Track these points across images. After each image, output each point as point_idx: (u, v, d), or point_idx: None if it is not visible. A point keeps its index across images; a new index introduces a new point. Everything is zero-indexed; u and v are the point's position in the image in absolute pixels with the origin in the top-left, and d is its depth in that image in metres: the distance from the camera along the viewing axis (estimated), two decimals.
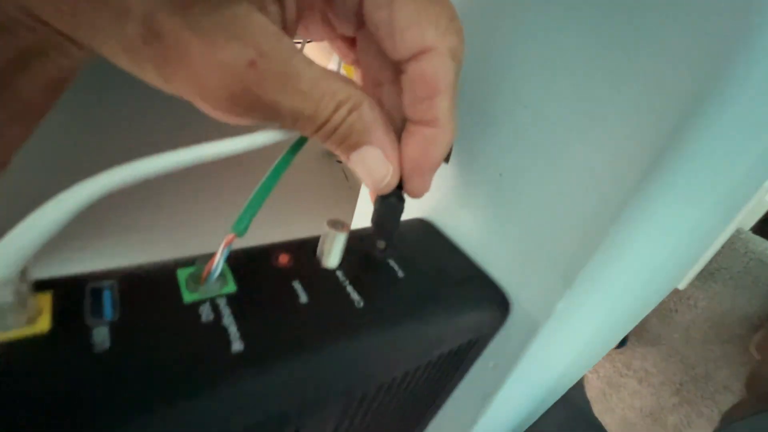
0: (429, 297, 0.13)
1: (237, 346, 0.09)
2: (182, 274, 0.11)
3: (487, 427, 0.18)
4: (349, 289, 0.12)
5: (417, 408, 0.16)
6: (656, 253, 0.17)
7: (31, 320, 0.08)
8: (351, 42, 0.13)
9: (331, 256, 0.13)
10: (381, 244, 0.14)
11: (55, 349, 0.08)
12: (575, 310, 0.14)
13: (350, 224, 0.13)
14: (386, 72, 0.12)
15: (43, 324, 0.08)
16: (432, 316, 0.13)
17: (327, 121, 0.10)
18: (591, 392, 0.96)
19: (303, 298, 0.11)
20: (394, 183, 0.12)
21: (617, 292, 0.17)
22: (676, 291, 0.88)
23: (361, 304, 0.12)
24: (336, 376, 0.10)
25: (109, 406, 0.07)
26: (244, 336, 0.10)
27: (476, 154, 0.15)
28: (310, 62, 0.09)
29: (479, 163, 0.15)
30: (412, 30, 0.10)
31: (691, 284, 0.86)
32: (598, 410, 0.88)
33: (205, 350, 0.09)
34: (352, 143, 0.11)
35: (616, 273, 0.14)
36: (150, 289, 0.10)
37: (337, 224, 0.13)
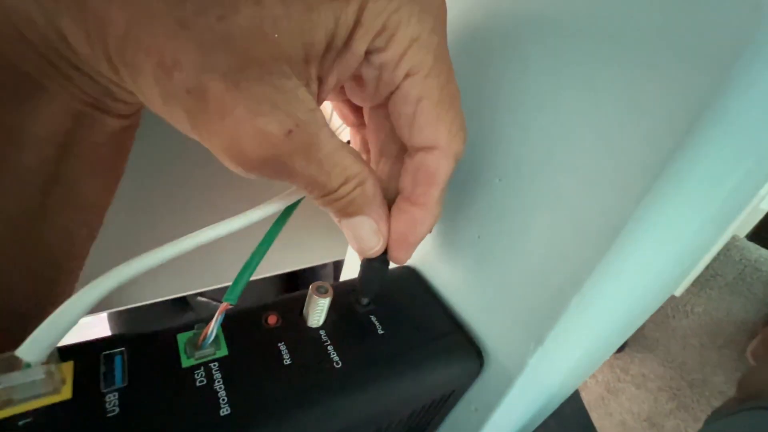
0: (406, 356, 0.14)
1: (225, 410, 0.10)
2: (182, 339, 0.12)
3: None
4: (330, 349, 0.13)
5: None
6: (627, 307, 0.17)
7: (57, 390, 0.09)
8: (356, 109, 0.15)
9: (314, 317, 0.14)
10: (365, 300, 0.15)
11: (76, 415, 0.09)
12: (548, 364, 0.15)
13: (344, 256, 0.14)
14: (392, 147, 0.13)
15: (66, 393, 0.09)
16: (408, 374, 0.14)
17: (334, 191, 0.11)
18: (590, 397, 0.97)
19: (287, 359, 0.12)
20: (381, 251, 0.13)
21: (589, 344, 0.18)
22: (672, 297, 0.89)
23: (340, 364, 0.13)
24: None
25: None
26: (231, 399, 0.10)
27: (457, 217, 0.16)
28: (332, 134, 0.10)
29: (460, 224, 0.16)
30: (429, 129, 0.11)
31: (687, 291, 0.87)
32: (597, 415, 0.89)
33: (197, 414, 0.10)
34: (349, 212, 0.12)
35: (587, 332, 0.15)
36: (154, 354, 0.11)
37: (320, 289, 0.14)
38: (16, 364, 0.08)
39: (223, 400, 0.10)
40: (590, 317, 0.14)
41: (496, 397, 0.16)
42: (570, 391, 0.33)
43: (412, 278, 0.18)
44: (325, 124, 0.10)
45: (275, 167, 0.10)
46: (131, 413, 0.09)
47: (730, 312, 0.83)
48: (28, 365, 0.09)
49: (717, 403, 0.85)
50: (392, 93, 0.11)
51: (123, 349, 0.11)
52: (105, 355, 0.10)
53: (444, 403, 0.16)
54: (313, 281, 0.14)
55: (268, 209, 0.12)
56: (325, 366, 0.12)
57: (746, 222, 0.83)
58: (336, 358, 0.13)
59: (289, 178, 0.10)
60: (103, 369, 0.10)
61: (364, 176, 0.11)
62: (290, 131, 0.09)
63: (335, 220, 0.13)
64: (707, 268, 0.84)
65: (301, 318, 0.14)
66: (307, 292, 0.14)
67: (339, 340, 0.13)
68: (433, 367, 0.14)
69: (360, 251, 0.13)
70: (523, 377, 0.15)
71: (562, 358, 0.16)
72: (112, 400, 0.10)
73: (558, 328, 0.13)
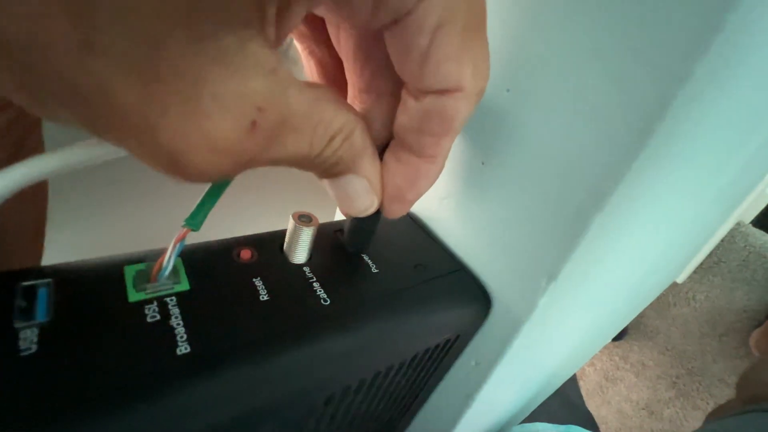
0: (404, 294, 0.12)
1: (183, 348, 0.09)
2: (130, 272, 0.10)
3: (470, 427, 0.18)
4: (316, 286, 0.11)
5: (395, 409, 0.16)
6: (648, 246, 0.16)
7: None
8: (320, 29, 0.11)
9: (298, 252, 0.12)
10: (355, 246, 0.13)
11: None
12: (560, 306, 0.14)
13: (333, 216, 0.12)
14: (383, 83, 0.10)
15: None
16: (405, 314, 0.12)
17: (317, 156, 0.09)
18: (588, 385, 0.96)
19: (263, 295, 0.11)
20: (375, 211, 0.11)
21: (605, 287, 0.16)
22: (674, 284, 0.88)
23: (328, 301, 0.11)
24: (294, 379, 0.10)
25: (34, 411, 0.07)
26: (192, 337, 0.09)
27: (459, 141, 0.14)
28: (300, 88, 0.08)
29: (462, 150, 0.14)
30: (449, 66, 0.08)
31: (690, 278, 0.86)
32: (595, 403, 0.88)
33: (146, 352, 0.08)
34: (335, 172, 0.10)
35: (604, 267, 0.14)
36: (92, 287, 0.09)
37: (303, 218, 0.12)
38: None
39: (181, 337, 0.09)
40: (613, 244, 0.13)
41: (500, 348, 0.14)
42: (573, 362, 0.31)
43: (409, 222, 0.16)
44: (290, 83, 0.07)
45: (242, 167, 0.07)
46: (54, 351, 0.08)
47: (732, 299, 0.82)
48: None
49: (717, 392, 0.85)
50: (397, 20, 0.08)
51: (50, 280, 0.09)
52: (23, 286, 0.09)
53: (445, 354, 0.14)
54: None
55: None
56: (311, 302, 0.11)
57: (751, 208, 0.81)
58: (323, 296, 0.11)
59: (263, 165, 0.08)
60: (19, 302, 0.08)
61: (351, 126, 0.09)
62: (254, 123, 0.07)
63: (320, 181, 0.10)
64: (710, 254, 0.83)
65: (282, 254, 0.12)
66: (284, 230, 0.12)
67: (326, 277, 0.12)
68: (435, 306, 0.12)
69: (349, 213, 0.11)
70: (531, 323, 0.13)
71: (572, 304, 0.15)
72: (28, 336, 0.08)
73: (575, 259, 0.12)
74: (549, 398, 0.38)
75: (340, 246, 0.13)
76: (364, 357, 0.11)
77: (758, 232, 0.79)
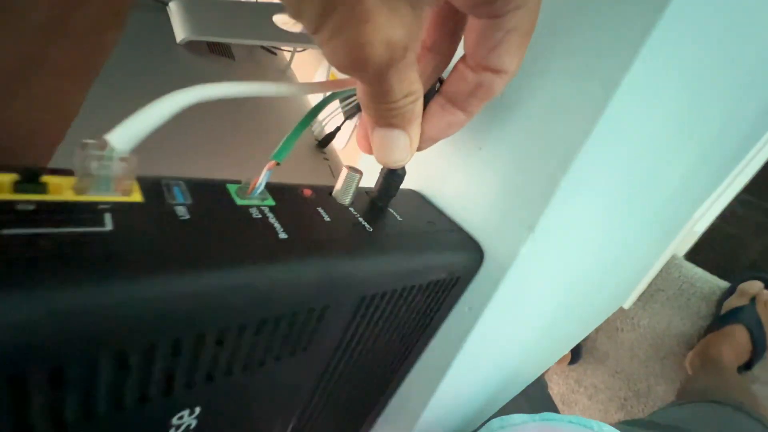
0: (422, 235, 0.16)
1: (282, 235, 0.12)
2: (232, 188, 0.13)
3: (461, 368, 0.21)
4: (360, 219, 0.15)
5: (407, 341, 0.19)
6: (607, 204, 0.21)
7: (126, 193, 0.10)
8: None
9: (347, 195, 0.16)
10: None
11: (151, 213, 0.10)
12: (537, 257, 0.18)
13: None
14: (445, 47, 0.13)
15: (137, 197, 0.10)
16: (424, 247, 0.16)
17: (394, 101, 0.11)
18: None
19: (326, 218, 0.14)
20: (405, 164, 0.14)
21: (571, 247, 0.21)
22: (622, 310, 0.96)
23: (372, 230, 0.15)
24: (348, 280, 0.13)
25: (192, 262, 0.10)
26: (286, 230, 0.12)
27: (460, 134, 0.19)
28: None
29: (462, 140, 0.19)
30: (508, 57, 0.12)
31: (635, 304, 0.95)
32: None
33: (258, 234, 0.11)
34: (392, 123, 0.12)
35: (570, 225, 0.18)
36: (209, 192, 0.12)
37: (353, 169, 0.16)
38: (103, 150, 0.10)
39: (279, 229, 0.12)
40: (574, 206, 0.17)
41: (489, 291, 0.18)
42: (547, 341, 0.36)
43: (418, 197, 0.20)
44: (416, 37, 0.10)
45: (377, 74, 0.10)
46: (201, 221, 0.11)
47: (671, 325, 0.91)
48: (111, 153, 0.10)
49: None
50: (489, 15, 0.11)
51: (180, 181, 0.12)
52: (166, 183, 0.12)
53: (450, 291, 0.18)
54: None
55: (320, 87, 0.14)
56: (359, 229, 0.14)
57: (684, 243, 0.93)
58: (367, 226, 0.15)
59: (369, 82, 0.11)
60: (165, 190, 0.11)
61: (420, 93, 0.12)
62: (405, 46, 0.09)
63: (369, 127, 0.13)
64: (651, 283, 0.93)
65: (331, 197, 0.16)
66: (330, 185, 0.16)
67: (366, 215, 0.15)
68: (443, 248, 0.16)
69: (384, 161, 0.13)
70: (514, 268, 0.18)
71: (547, 251, 0.19)
72: (181, 209, 0.11)
73: (547, 214, 0.16)
74: (519, 401, 0.42)
75: (371, 200, 0.17)
76: (395, 271, 0.15)
77: (690, 265, 0.90)
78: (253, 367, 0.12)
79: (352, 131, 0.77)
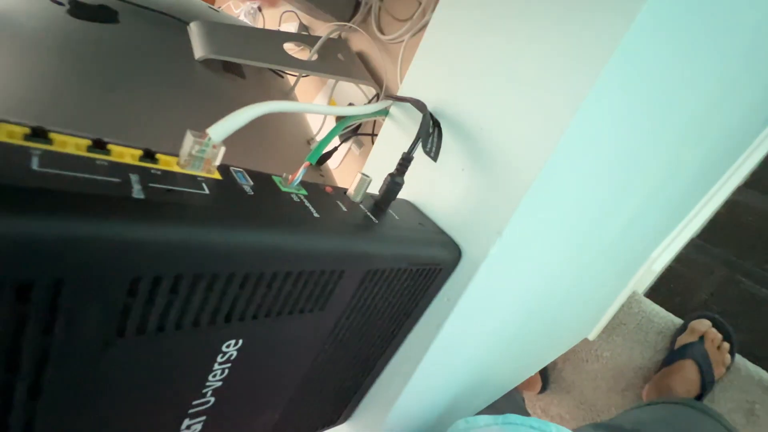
0: (414, 232, 0.21)
1: (316, 215, 0.16)
2: (276, 179, 0.17)
3: (436, 355, 0.25)
4: (368, 213, 0.19)
5: (394, 321, 0.23)
6: (565, 226, 0.26)
7: (210, 172, 0.14)
8: None
9: (358, 194, 0.20)
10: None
11: (228, 188, 0.14)
12: (503, 258, 0.23)
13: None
14: None
15: (216, 175, 0.15)
16: (416, 240, 0.20)
17: None
18: None
19: (343, 208, 0.18)
20: None
21: (537, 247, 0.25)
22: (587, 342, 1.02)
23: (377, 222, 0.19)
24: (360, 253, 0.17)
25: (261, 221, 0.14)
26: (318, 212, 0.16)
27: (446, 159, 0.24)
28: None
29: (447, 164, 0.24)
30: None
31: (599, 336, 1.00)
32: None
33: (299, 212, 0.16)
34: None
35: (533, 232, 0.23)
36: (261, 179, 0.16)
37: (365, 174, 0.20)
38: (203, 139, 0.14)
39: (313, 210, 0.16)
40: (535, 219, 0.22)
41: (464, 283, 0.23)
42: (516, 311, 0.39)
43: (410, 206, 0.25)
44: None
45: None
46: (260, 197, 0.15)
47: (631, 358, 0.97)
48: (208, 142, 0.14)
49: None
50: None
51: (242, 169, 0.16)
52: (232, 168, 0.16)
53: (433, 280, 0.22)
54: None
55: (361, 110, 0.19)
56: (368, 220, 0.19)
57: (643, 280, 1.01)
58: (373, 219, 0.19)
59: None
60: (233, 173, 0.15)
61: None
62: None
63: None
64: (614, 317, 0.99)
65: (346, 195, 0.20)
66: (345, 188, 0.20)
67: (372, 211, 0.20)
68: (430, 242, 0.21)
69: None
70: (485, 265, 0.22)
71: (514, 256, 0.24)
72: (247, 188, 0.15)
73: (512, 223, 0.21)
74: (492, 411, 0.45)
75: (375, 202, 0.21)
76: (394, 254, 0.19)
77: (648, 302, 0.97)
78: (284, 313, 0.15)
79: (344, 155, 0.82)
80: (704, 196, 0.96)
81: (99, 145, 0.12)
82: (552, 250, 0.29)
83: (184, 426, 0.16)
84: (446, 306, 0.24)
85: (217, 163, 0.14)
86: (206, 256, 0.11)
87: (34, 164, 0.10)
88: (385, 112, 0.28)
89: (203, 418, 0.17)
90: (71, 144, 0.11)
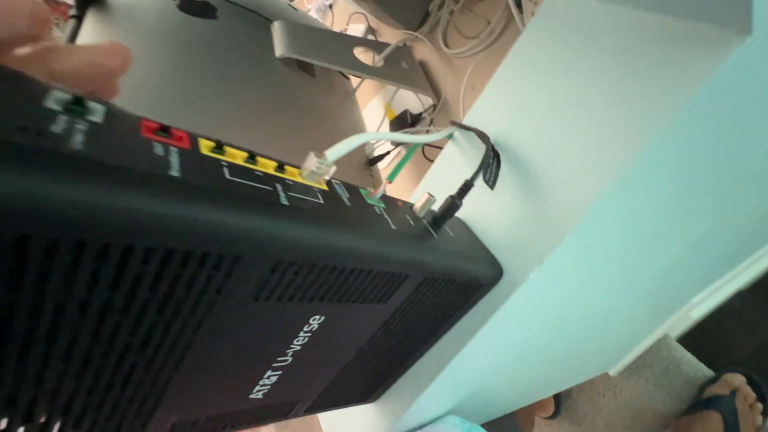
0: (465, 248, 0.24)
1: (392, 226, 0.20)
2: (362, 191, 0.21)
3: (464, 358, 0.28)
4: (429, 228, 0.23)
5: (436, 323, 0.26)
6: (606, 254, 0.28)
7: (320, 183, 0.18)
8: None
9: (423, 210, 0.23)
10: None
11: (333, 197, 0.18)
12: (541, 284, 0.25)
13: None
14: None
15: (324, 186, 0.19)
16: (465, 257, 0.23)
17: None
18: None
19: (411, 222, 0.22)
20: None
21: (573, 279, 0.28)
22: (607, 376, 1.00)
23: (436, 236, 0.22)
24: (420, 261, 0.20)
25: (357, 227, 0.17)
26: (394, 224, 0.20)
27: (499, 190, 0.27)
28: None
29: (504, 191, 0.27)
30: None
31: (621, 374, 0.98)
32: None
33: (381, 223, 0.19)
34: None
35: (571, 266, 0.26)
36: (353, 191, 0.20)
37: (431, 194, 0.24)
38: (322, 158, 0.18)
39: (390, 222, 0.20)
40: (575, 256, 0.25)
41: (501, 301, 0.26)
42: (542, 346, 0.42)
43: (462, 224, 0.28)
44: None
45: None
46: (355, 207, 0.19)
47: (651, 401, 0.94)
48: (325, 161, 0.18)
49: None
50: None
51: (339, 181, 0.20)
52: (333, 181, 0.20)
53: (474, 293, 0.25)
54: None
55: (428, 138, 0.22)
56: (428, 234, 0.22)
57: (677, 325, 0.97)
58: (433, 233, 0.22)
59: None
60: (335, 185, 0.19)
61: None
62: None
63: None
64: (640, 357, 0.96)
65: (412, 210, 0.23)
66: (411, 203, 0.24)
67: (432, 226, 0.23)
68: (477, 261, 0.24)
69: None
70: (523, 287, 0.25)
71: (550, 284, 0.26)
72: (345, 199, 0.19)
73: (553, 256, 0.24)
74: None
75: (434, 218, 0.25)
76: (446, 266, 0.22)
77: (680, 347, 0.94)
78: (358, 301, 0.19)
79: (393, 158, 0.86)
80: (759, 250, 0.91)
81: (251, 157, 0.16)
82: (586, 286, 0.31)
83: (266, 375, 0.20)
84: (480, 318, 0.27)
85: (327, 177, 0.18)
86: (322, 251, 0.15)
87: (227, 174, 0.14)
88: (450, 136, 0.31)
89: (279, 372, 0.21)
90: (239, 156, 0.15)
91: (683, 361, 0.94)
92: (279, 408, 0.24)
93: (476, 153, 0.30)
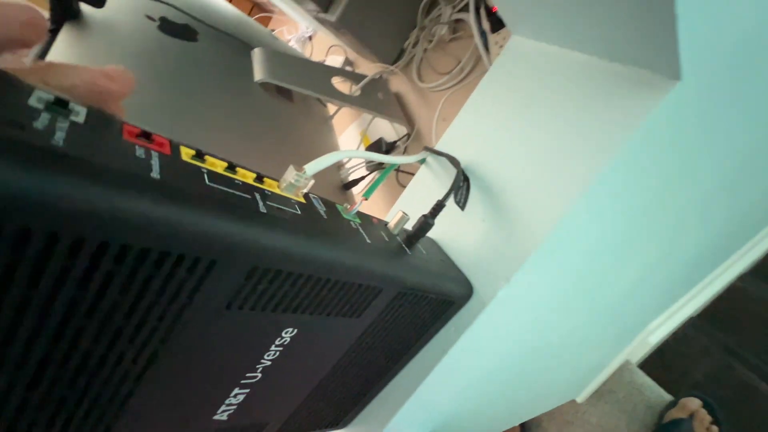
0: (437, 266, 0.25)
1: (368, 240, 0.20)
2: (339, 207, 0.22)
3: (438, 378, 0.28)
4: (403, 245, 0.24)
5: (408, 341, 0.26)
6: (569, 273, 0.30)
7: (298, 196, 0.19)
8: None
9: (397, 228, 0.24)
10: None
11: (310, 210, 0.19)
12: (509, 301, 0.26)
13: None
14: None
15: (302, 199, 0.19)
16: (438, 273, 0.24)
17: None
18: None
19: (385, 238, 0.22)
20: None
21: (539, 297, 0.29)
22: (574, 403, 1.01)
23: (409, 253, 0.23)
24: (395, 276, 0.21)
25: (333, 240, 0.18)
26: (369, 238, 0.20)
27: (468, 212, 0.28)
28: None
29: (473, 212, 0.28)
30: None
31: (587, 401, 1.00)
32: None
33: (356, 237, 0.20)
34: None
35: (539, 281, 0.27)
36: (329, 206, 0.21)
37: (405, 213, 0.24)
38: (300, 172, 0.18)
39: (365, 237, 0.20)
40: (544, 270, 0.26)
41: (471, 318, 0.26)
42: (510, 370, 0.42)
43: (435, 244, 0.29)
44: None
45: None
46: (331, 221, 0.19)
47: (617, 426, 0.96)
48: (304, 174, 0.19)
49: None
50: None
51: (317, 196, 0.21)
52: (311, 195, 0.20)
53: (446, 310, 0.26)
54: None
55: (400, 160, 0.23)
56: (402, 250, 0.23)
57: (637, 351, 1.01)
58: (407, 250, 0.23)
59: None
60: (312, 199, 0.20)
61: None
62: None
63: None
64: (604, 383, 0.99)
65: (386, 227, 0.24)
66: (386, 221, 0.25)
67: (406, 243, 0.24)
68: (449, 279, 0.25)
69: None
70: (491, 305, 0.26)
71: (518, 302, 0.27)
72: (322, 212, 0.19)
73: (519, 273, 0.25)
74: None
75: (408, 236, 0.25)
76: (419, 282, 0.23)
77: (641, 372, 0.97)
78: (333, 314, 0.19)
79: (368, 182, 0.87)
80: (706, 277, 0.98)
81: (231, 167, 0.16)
82: (552, 305, 0.32)
83: (233, 393, 0.20)
84: (452, 335, 0.27)
85: (305, 191, 0.19)
86: (298, 260, 0.16)
87: (206, 180, 0.14)
88: (423, 161, 0.33)
89: (247, 390, 0.20)
90: (219, 165, 0.16)
91: (645, 387, 0.97)
92: None
93: (447, 176, 0.32)
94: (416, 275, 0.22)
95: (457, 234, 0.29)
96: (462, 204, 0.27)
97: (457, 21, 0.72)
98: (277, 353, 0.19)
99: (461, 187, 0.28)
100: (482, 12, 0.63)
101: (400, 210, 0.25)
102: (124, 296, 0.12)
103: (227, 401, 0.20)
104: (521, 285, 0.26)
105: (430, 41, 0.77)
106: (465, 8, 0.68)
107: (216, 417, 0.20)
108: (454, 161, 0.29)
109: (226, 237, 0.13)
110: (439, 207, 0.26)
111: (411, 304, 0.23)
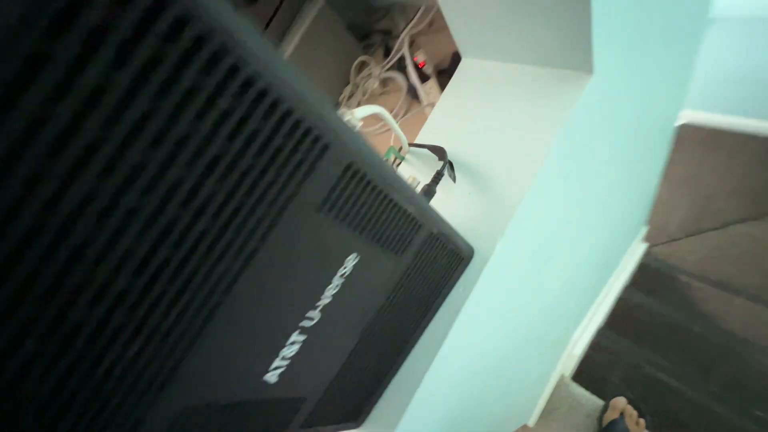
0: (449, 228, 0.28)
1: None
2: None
3: (457, 336, 0.29)
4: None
5: (427, 299, 0.27)
6: (553, 215, 0.35)
7: None
8: None
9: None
10: None
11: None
12: (506, 254, 0.30)
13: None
14: None
15: None
16: (451, 228, 0.27)
17: None
18: None
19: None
20: None
21: (527, 248, 0.33)
22: (527, 428, 1.03)
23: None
24: (429, 219, 0.23)
25: None
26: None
27: (461, 185, 0.33)
28: None
29: (458, 189, 0.33)
30: None
31: (538, 422, 1.04)
32: None
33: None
34: None
35: (526, 233, 0.31)
36: None
37: (415, 179, 0.28)
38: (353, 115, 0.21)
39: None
40: (528, 221, 0.31)
41: (475, 275, 0.29)
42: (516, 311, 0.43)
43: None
44: None
45: None
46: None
47: None
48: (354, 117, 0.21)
49: None
50: None
51: None
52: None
53: (457, 267, 0.28)
54: None
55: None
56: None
57: (567, 364, 1.11)
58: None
59: None
60: None
61: None
62: None
63: None
64: (549, 401, 1.05)
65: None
66: None
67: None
68: (455, 233, 0.28)
69: None
70: (493, 259, 0.29)
71: (514, 251, 0.31)
72: None
73: (512, 222, 0.29)
74: None
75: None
76: (445, 226, 0.25)
77: (575, 384, 1.06)
78: (385, 246, 0.21)
79: None
80: (602, 290, 1.18)
81: None
82: (529, 269, 0.37)
83: (291, 339, 0.18)
84: (462, 294, 0.29)
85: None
86: (377, 167, 0.17)
87: None
88: (402, 158, 0.37)
89: (303, 338, 0.19)
90: None
91: (581, 397, 1.05)
92: (282, 410, 0.21)
93: (428, 169, 0.36)
94: (442, 222, 0.25)
95: (450, 209, 0.33)
96: (453, 177, 0.32)
97: (386, 79, 0.84)
98: (338, 287, 0.19)
99: (449, 166, 0.32)
100: (410, 69, 0.76)
101: (410, 176, 0.28)
102: (259, 156, 0.13)
103: (282, 353, 0.18)
104: (513, 236, 0.30)
105: (364, 95, 0.88)
106: (392, 68, 0.81)
107: (266, 376, 0.18)
108: (438, 150, 0.34)
109: (337, 127, 0.15)
110: (438, 176, 0.30)
111: (437, 250, 0.25)
